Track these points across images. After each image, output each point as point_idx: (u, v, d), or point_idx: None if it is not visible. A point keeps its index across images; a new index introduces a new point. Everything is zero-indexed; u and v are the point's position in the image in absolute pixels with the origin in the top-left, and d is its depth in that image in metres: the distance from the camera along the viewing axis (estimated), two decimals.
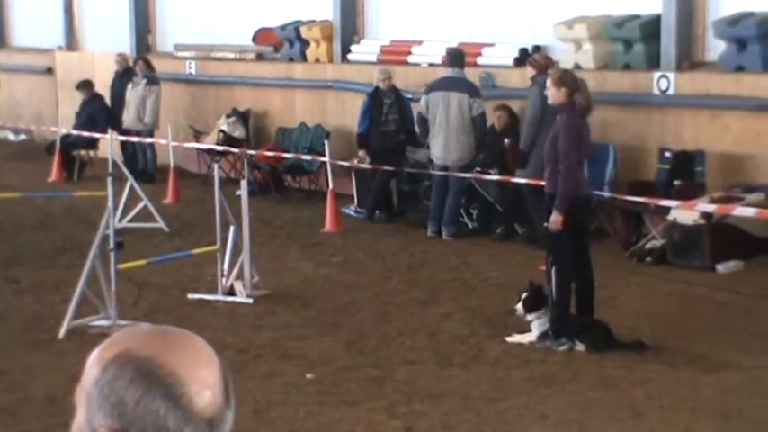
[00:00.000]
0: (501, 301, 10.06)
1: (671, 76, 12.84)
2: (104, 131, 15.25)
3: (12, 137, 22.35)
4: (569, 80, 8.98)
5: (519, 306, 8.95)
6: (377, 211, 14.26)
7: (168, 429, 1.59)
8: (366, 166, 14.22)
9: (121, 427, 1.60)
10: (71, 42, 22.07)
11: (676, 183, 12.18)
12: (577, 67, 13.66)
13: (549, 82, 9.12)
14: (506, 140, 13.30)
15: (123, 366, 1.61)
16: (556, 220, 8.73)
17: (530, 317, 8.91)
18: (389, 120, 14.15)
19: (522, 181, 12.35)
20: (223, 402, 1.63)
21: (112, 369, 1.61)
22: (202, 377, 1.62)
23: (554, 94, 8.96)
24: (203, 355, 1.65)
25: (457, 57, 13.49)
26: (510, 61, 14.46)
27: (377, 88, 14.27)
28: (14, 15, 23.83)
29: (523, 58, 13.92)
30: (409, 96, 14.44)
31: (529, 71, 12.63)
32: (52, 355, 8.65)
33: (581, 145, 8.90)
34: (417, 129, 13.67)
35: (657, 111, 13.01)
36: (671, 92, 12.87)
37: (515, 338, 8.98)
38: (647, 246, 11.91)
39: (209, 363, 1.64)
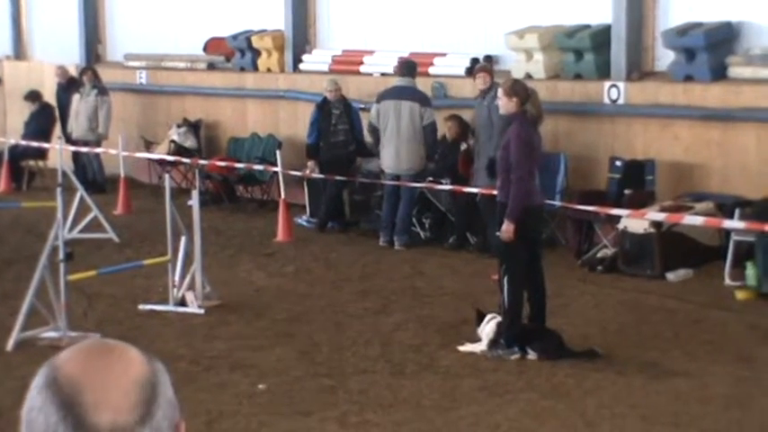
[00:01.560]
0: (453, 310, 10.07)
1: (621, 85, 12.95)
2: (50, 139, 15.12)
3: None
4: (520, 90, 9.02)
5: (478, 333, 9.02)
6: (329, 222, 14.23)
7: None
8: (316, 175, 14.19)
9: None
10: (19, 52, 21.84)
11: (627, 192, 12.27)
12: (528, 76, 13.73)
13: (500, 92, 9.16)
14: (463, 146, 13.29)
15: (42, 375, 1.59)
16: (507, 228, 8.76)
17: (471, 347, 8.95)
18: (339, 130, 14.12)
19: (474, 190, 12.39)
20: (132, 419, 1.55)
21: (36, 378, 1.60)
22: (107, 389, 1.55)
23: (505, 104, 9.01)
24: (120, 367, 1.59)
25: (408, 66, 13.53)
26: (461, 71, 14.51)
27: (325, 99, 14.26)
28: None
29: (474, 68, 13.95)
30: (361, 106, 14.44)
31: (486, 80, 12.62)
32: (0, 367, 8.54)
33: (533, 154, 8.94)
34: (368, 138, 13.66)
35: (608, 120, 13.11)
36: (621, 101, 12.97)
37: (467, 348, 8.99)
38: (599, 254, 11.99)
39: (122, 375, 1.58)
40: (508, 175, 8.85)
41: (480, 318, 9.04)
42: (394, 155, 13.11)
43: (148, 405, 1.57)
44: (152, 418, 1.57)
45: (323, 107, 14.22)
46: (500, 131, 12.27)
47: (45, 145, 17.29)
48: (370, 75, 15.38)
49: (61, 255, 9.15)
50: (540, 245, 9.54)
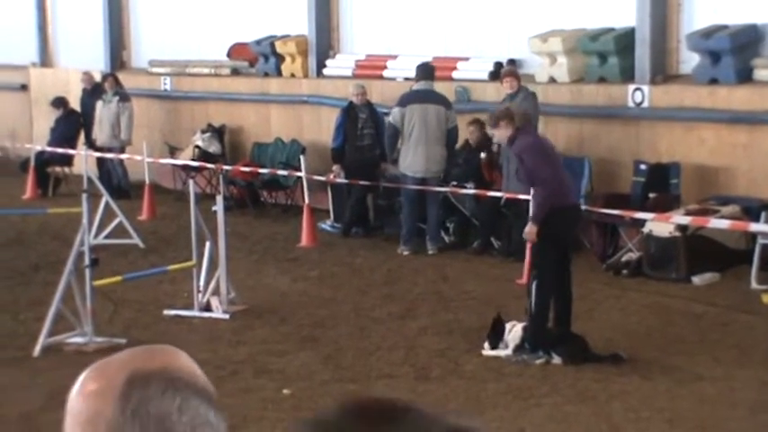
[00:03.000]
0: (478, 314, 10.06)
1: (645, 88, 12.90)
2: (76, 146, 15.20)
3: None
4: (500, 114, 9.23)
5: (486, 345, 8.98)
6: (354, 227, 14.23)
7: (211, 424, 1.62)
8: (341, 180, 14.20)
9: None
10: (45, 59, 21.98)
11: (651, 195, 12.23)
12: (552, 80, 13.73)
13: (489, 131, 9.32)
14: (482, 154, 13.31)
15: (146, 385, 1.59)
16: (530, 230, 8.81)
17: (494, 352, 8.92)
18: (364, 134, 14.14)
19: (498, 194, 12.38)
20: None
21: (136, 393, 1.58)
22: (197, 369, 1.67)
23: (501, 134, 9.23)
24: (183, 357, 1.69)
25: (428, 70, 13.54)
26: (485, 75, 14.50)
27: (351, 103, 14.27)
28: None
29: (498, 71, 13.95)
30: (385, 111, 14.44)
31: (512, 84, 12.67)
32: (27, 372, 8.59)
33: (550, 158, 9.02)
34: (387, 141, 13.57)
35: (632, 123, 13.06)
36: (645, 104, 12.93)
37: (492, 352, 8.97)
38: (623, 258, 11.95)
39: (192, 363, 1.69)
40: (533, 184, 8.93)
41: (497, 325, 9.00)
42: (423, 158, 13.08)
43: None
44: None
45: (349, 111, 14.22)
46: None
47: (70, 151, 17.38)
48: (394, 79, 15.39)
49: (87, 260, 9.20)
50: (571, 247, 9.50)
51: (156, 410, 1.57)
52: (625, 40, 13.20)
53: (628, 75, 13.20)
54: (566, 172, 9.42)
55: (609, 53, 13.31)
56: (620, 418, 7.50)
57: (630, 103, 13.03)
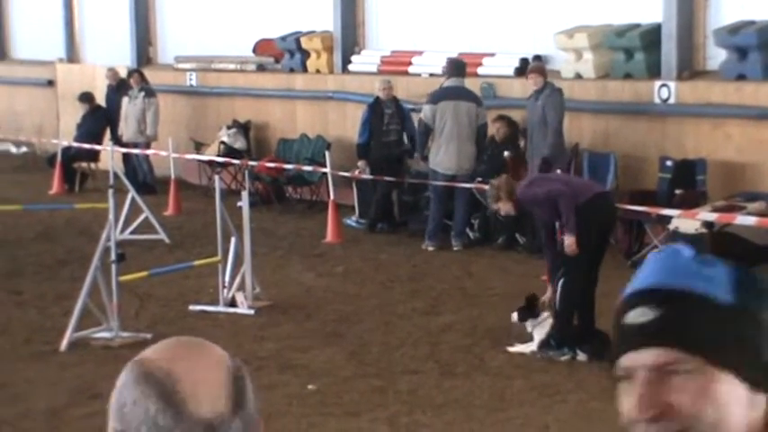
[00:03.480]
0: (503, 310, 10.02)
1: (672, 84, 12.84)
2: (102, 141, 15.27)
3: (13, 149, 22.36)
4: (496, 194, 9.15)
5: (514, 314, 8.96)
6: (379, 222, 14.23)
7: (160, 428, 1.57)
8: (366, 176, 14.20)
9: (122, 429, 1.60)
10: (72, 54, 22.09)
11: (678, 192, 12.16)
12: (578, 76, 13.69)
13: (493, 206, 9.46)
14: (506, 153, 13.28)
15: (130, 371, 1.62)
16: (569, 242, 8.73)
17: (527, 324, 8.90)
18: (391, 130, 14.14)
19: None
20: (228, 409, 1.60)
21: (123, 375, 1.63)
22: (202, 380, 1.60)
23: (506, 207, 9.18)
24: (208, 359, 1.64)
25: (459, 66, 13.51)
26: (511, 71, 14.47)
27: (377, 98, 14.27)
28: (15, 28, 23.86)
29: (524, 68, 13.93)
30: (410, 107, 14.44)
31: (537, 80, 12.64)
32: (54, 367, 8.64)
33: (551, 181, 9.09)
34: (417, 138, 13.58)
35: (658, 120, 13.01)
36: (672, 101, 12.87)
37: (517, 348, 8.96)
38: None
39: (214, 367, 1.62)
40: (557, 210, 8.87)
41: (532, 301, 8.92)
42: (455, 155, 13.06)
43: (240, 396, 1.62)
44: (244, 408, 1.62)
45: (375, 107, 14.22)
46: (555, 131, 12.33)
47: (97, 147, 17.46)
48: (419, 75, 15.38)
49: (113, 256, 9.24)
50: (607, 240, 9.32)
51: (122, 397, 1.61)
52: (651, 36, 13.14)
53: (654, 71, 13.14)
54: (577, 177, 9.34)
55: (635, 49, 13.25)
56: None
57: (657, 100, 12.97)
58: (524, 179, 9.28)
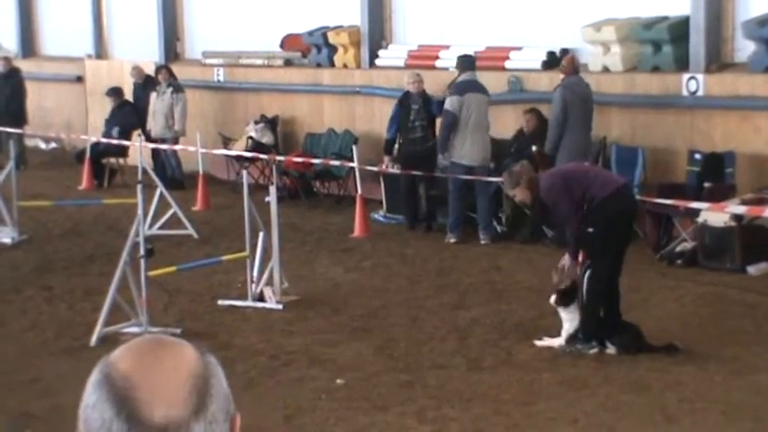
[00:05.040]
0: (530, 304, 10.04)
1: (700, 77, 12.77)
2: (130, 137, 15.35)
3: (42, 145, 22.52)
4: (516, 178, 9.17)
5: (553, 297, 8.93)
6: (415, 219, 14.13)
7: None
8: (394, 170, 14.15)
9: (85, 431, 1.60)
10: (100, 51, 22.21)
11: (706, 185, 12.10)
12: (605, 69, 13.64)
13: (509, 192, 9.51)
14: (534, 147, 13.25)
15: (96, 373, 1.62)
16: (569, 265, 8.87)
17: (560, 311, 8.87)
18: (416, 126, 14.03)
19: None
20: (186, 412, 1.56)
21: (91, 375, 1.63)
22: (159, 384, 1.57)
23: (523, 194, 9.22)
24: (170, 362, 1.60)
25: (472, 61, 13.56)
26: (538, 65, 14.43)
27: (406, 93, 14.22)
28: (44, 25, 24.01)
29: (551, 61, 13.90)
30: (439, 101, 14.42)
31: (565, 69, 12.72)
32: (84, 362, 8.66)
33: (570, 188, 8.81)
34: (443, 131, 13.45)
35: (687, 112, 12.94)
36: (700, 93, 12.80)
37: (545, 342, 8.95)
38: (678, 248, 11.85)
39: (174, 370, 1.59)
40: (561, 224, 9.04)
41: (573, 288, 8.90)
42: (480, 147, 13.08)
43: (201, 398, 1.59)
44: (206, 410, 1.59)
45: (403, 102, 14.18)
46: (552, 126, 12.43)
47: (125, 142, 17.55)
48: (446, 69, 15.36)
49: (142, 251, 9.29)
50: (630, 232, 9.26)
51: (84, 399, 1.61)
52: (679, 29, 13.08)
53: (682, 63, 13.07)
54: (599, 167, 9.23)
55: (663, 42, 13.19)
56: (674, 409, 7.45)
57: (685, 92, 12.90)
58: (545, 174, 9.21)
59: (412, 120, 14.03)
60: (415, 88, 14.09)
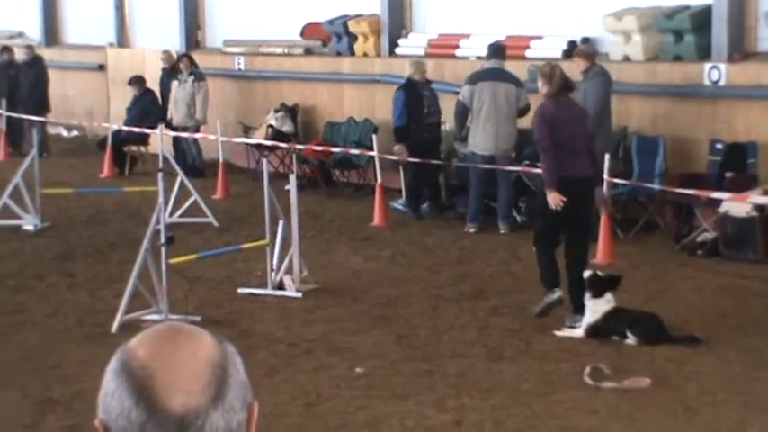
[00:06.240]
0: None
1: (722, 66, 12.70)
2: (155, 126, 15.40)
3: (64, 133, 22.62)
4: (545, 73, 9.52)
5: (587, 294, 8.93)
6: (420, 202, 14.17)
7: (132, 422, 1.57)
8: (412, 159, 14.12)
9: (105, 418, 1.61)
10: (122, 39, 22.27)
11: (728, 175, 12.05)
12: (627, 58, 13.58)
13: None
14: None
15: (115, 360, 1.63)
16: (551, 198, 9.12)
17: (587, 299, 8.86)
18: (432, 113, 14.08)
19: None
20: (204, 400, 1.58)
21: (111, 362, 1.64)
22: (177, 373, 1.58)
23: (540, 88, 9.59)
24: (188, 350, 1.61)
25: (499, 49, 13.47)
26: (559, 54, 14.37)
27: (411, 80, 14.16)
28: (67, 13, 24.09)
29: (572, 50, 13.84)
30: (458, 90, 14.38)
31: (580, 64, 12.56)
32: (105, 348, 8.65)
33: (557, 130, 9.20)
34: (455, 120, 13.52)
35: (708, 102, 12.88)
36: (722, 83, 12.73)
37: (565, 332, 8.94)
38: (699, 238, 11.81)
39: (192, 358, 1.60)
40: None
41: (596, 281, 8.89)
42: (493, 136, 13.03)
43: (219, 386, 1.60)
44: (223, 398, 1.60)
45: (410, 89, 14.12)
46: (594, 116, 12.26)
47: (146, 131, 17.60)
48: (466, 58, 15.33)
49: (163, 238, 9.32)
50: (580, 217, 9.38)
51: (104, 386, 1.62)
52: (701, 18, 13.01)
53: (704, 53, 13.00)
54: (579, 145, 9.35)
55: (685, 31, 13.13)
56: (695, 401, 7.43)
57: (707, 82, 12.84)
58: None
59: (428, 106, 14.02)
60: (421, 77, 14.08)
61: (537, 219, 9.71)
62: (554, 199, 9.08)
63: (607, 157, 11.51)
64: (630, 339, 8.65)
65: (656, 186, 12.21)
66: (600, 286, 8.88)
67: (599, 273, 9.09)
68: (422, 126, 14.04)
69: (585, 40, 13.98)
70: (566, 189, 9.07)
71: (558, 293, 9.24)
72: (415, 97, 14.01)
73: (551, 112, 9.35)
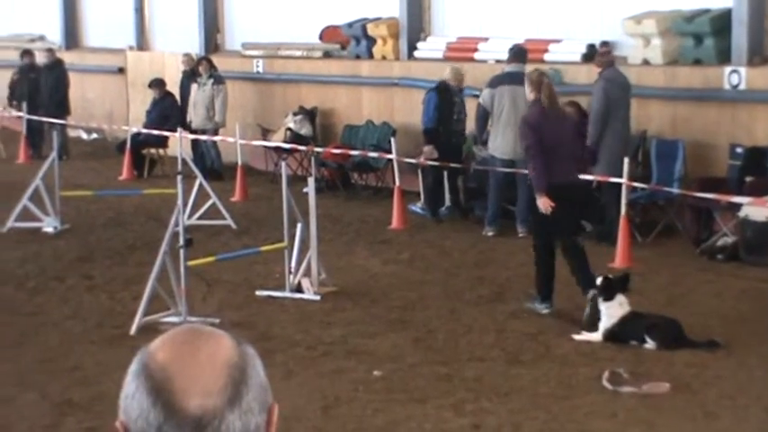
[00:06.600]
0: (568, 298, 9.98)
1: (742, 70, 12.65)
2: (175, 129, 15.45)
3: (84, 136, 22.70)
4: (535, 79, 9.82)
5: (596, 292, 8.91)
6: (438, 206, 14.17)
7: (150, 424, 1.58)
8: (432, 162, 14.12)
9: (125, 419, 1.63)
10: (142, 42, 22.35)
11: (748, 179, 11.99)
12: (646, 62, 13.54)
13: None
14: None
15: (135, 362, 1.65)
16: (540, 202, 9.45)
17: (600, 303, 8.84)
18: (461, 119, 14.11)
19: (590, 178, 12.24)
20: (221, 402, 1.59)
21: (132, 364, 1.66)
22: (194, 375, 1.59)
23: (528, 93, 9.92)
24: (206, 353, 1.62)
25: (520, 52, 13.45)
26: (578, 57, 14.35)
27: (446, 84, 14.16)
28: (87, 17, 24.19)
29: (591, 54, 13.81)
30: (476, 93, 14.37)
31: (594, 69, 12.61)
32: (124, 350, 8.74)
33: (544, 137, 9.49)
34: (476, 123, 13.52)
35: (728, 106, 12.82)
36: (742, 87, 12.67)
37: (583, 336, 8.92)
38: (719, 243, 11.76)
39: (209, 360, 1.61)
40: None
41: (607, 284, 8.87)
42: (512, 140, 12.98)
43: (237, 388, 1.61)
44: (241, 400, 1.61)
45: (443, 92, 14.12)
46: (593, 121, 12.35)
47: (165, 133, 17.65)
48: (485, 62, 15.32)
49: (181, 241, 9.35)
50: (570, 221, 9.82)
51: (125, 388, 1.64)
52: (721, 22, 12.96)
53: (724, 56, 12.95)
54: (566, 151, 9.64)
55: (704, 35, 13.08)
56: (715, 406, 7.40)
57: (726, 86, 12.79)
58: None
59: (457, 112, 14.03)
60: (457, 84, 14.09)
61: (533, 225, 10.04)
62: (543, 203, 9.43)
63: (626, 160, 11.49)
64: (649, 344, 8.62)
65: (676, 190, 12.16)
66: (611, 289, 8.86)
67: (609, 276, 9.07)
68: (449, 131, 14.04)
69: (605, 44, 13.94)
70: (553, 194, 9.39)
71: (546, 310, 9.59)
72: (447, 102, 14.03)
73: (537, 119, 9.66)
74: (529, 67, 13.39)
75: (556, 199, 9.37)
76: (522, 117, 10.12)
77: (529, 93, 9.88)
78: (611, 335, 8.77)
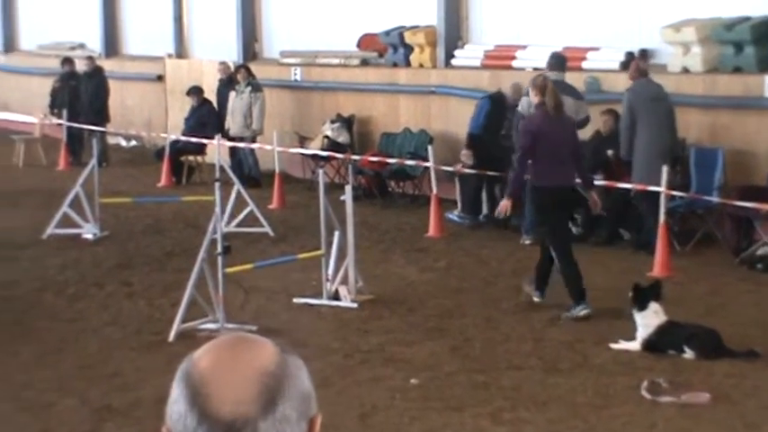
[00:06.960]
0: (606, 307, 9.94)
1: None
2: (213, 136, 15.53)
3: (123, 143, 22.88)
4: (539, 84, 9.96)
5: (630, 304, 8.89)
6: (478, 213, 14.16)
7: (186, 428, 1.60)
8: (469, 170, 14.09)
9: (170, 425, 1.65)
10: (180, 50, 22.50)
11: None
12: (685, 70, 13.46)
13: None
14: (609, 152, 13.11)
15: (179, 369, 1.68)
16: (502, 204, 9.86)
17: (635, 314, 8.80)
18: (506, 136, 13.99)
19: (628, 186, 12.20)
20: (254, 410, 1.59)
21: (179, 369, 1.69)
22: (229, 381, 1.60)
23: (532, 97, 10.14)
24: (244, 359, 1.63)
25: (561, 61, 13.38)
26: (616, 65, 14.30)
27: (501, 95, 14.12)
28: (126, 25, 24.40)
29: (629, 62, 13.74)
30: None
31: (631, 74, 12.61)
32: (163, 357, 8.81)
33: (541, 141, 9.64)
34: (514, 132, 13.42)
35: None
36: None
37: (621, 345, 8.87)
38: (759, 252, 11.66)
39: (247, 367, 1.62)
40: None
41: (638, 294, 8.82)
42: None
43: (272, 396, 1.61)
44: (275, 408, 1.61)
45: (497, 102, 14.07)
46: (647, 123, 12.31)
47: (204, 141, 17.75)
48: (523, 69, 15.29)
49: (219, 248, 9.39)
50: (555, 224, 9.97)
51: (171, 394, 1.66)
52: (762, 29, 12.87)
53: (764, 65, 12.86)
54: (564, 156, 9.75)
55: (745, 42, 12.99)
56: (755, 417, 7.33)
57: (767, 94, 12.69)
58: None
59: (506, 128, 13.91)
60: (514, 101, 13.96)
61: (547, 235, 10.10)
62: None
63: (665, 168, 11.43)
64: (688, 354, 8.56)
65: (715, 199, 12.08)
66: (643, 298, 8.80)
67: (639, 284, 9.01)
68: (493, 142, 13.99)
69: (643, 52, 13.88)
70: (550, 197, 9.62)
71: (585, 310, 9.62)
72: (498, 113, 14.02)
73: (537, 124, 9.84)
74: (572, 75, 13.39)
75: (555, 202, 9.60)
76: (523, 120, 10.36)
77: (533, 96, 10.04)
78: (650, 344, 8.72)
